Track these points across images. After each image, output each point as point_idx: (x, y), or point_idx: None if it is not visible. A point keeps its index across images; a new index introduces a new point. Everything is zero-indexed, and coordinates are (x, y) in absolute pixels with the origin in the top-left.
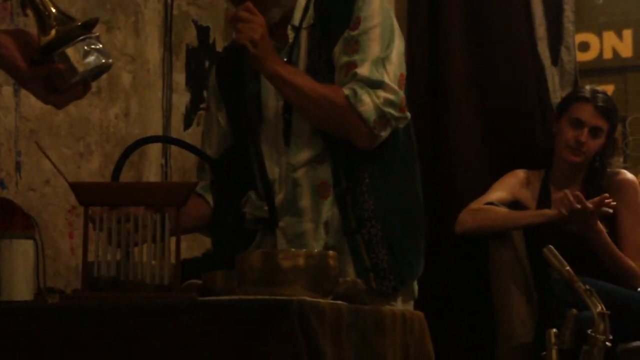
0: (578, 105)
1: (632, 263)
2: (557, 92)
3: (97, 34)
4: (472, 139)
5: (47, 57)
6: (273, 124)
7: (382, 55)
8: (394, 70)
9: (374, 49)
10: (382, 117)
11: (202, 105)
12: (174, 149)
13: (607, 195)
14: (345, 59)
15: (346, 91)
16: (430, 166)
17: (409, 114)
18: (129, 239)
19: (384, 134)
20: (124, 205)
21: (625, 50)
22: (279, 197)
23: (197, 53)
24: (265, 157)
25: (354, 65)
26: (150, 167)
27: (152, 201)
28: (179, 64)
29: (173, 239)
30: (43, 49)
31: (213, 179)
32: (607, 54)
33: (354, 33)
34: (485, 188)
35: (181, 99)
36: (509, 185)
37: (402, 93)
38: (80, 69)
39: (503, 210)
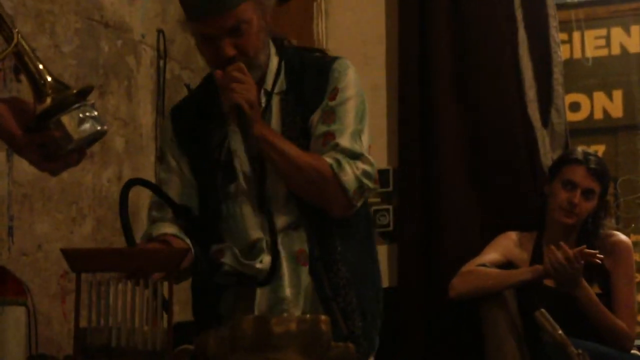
0: (570, 167)
1: (622, 324)
2: (547, 154)
3: (92, 101)
4: (465, 202)
5: (43, 125)
6: (247, 184)
7: (359, 127)
8: (366, 141)
9: (351, 120)
10: (360, 187)
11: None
12: None
13: (585, 246)
14: (323, 128)
15: (330, 160)
16: (422, 229)
17: (378, 185)
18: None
19: (359, 204)
20: (116, 271)
21: (616, 110)
22: (265, 260)
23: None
24: (245, 218)
25: (332, 135)
26: (143, 230)
27: (144, 268)
28: None
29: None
30: (39, 116)
31: (183, 224)
32: (598, 114)
33: (332, 103)
34: (477, 250)
35: None
36: (502, 247)
37: (375, 165)
38: (76, 136)
39: (494, 270)
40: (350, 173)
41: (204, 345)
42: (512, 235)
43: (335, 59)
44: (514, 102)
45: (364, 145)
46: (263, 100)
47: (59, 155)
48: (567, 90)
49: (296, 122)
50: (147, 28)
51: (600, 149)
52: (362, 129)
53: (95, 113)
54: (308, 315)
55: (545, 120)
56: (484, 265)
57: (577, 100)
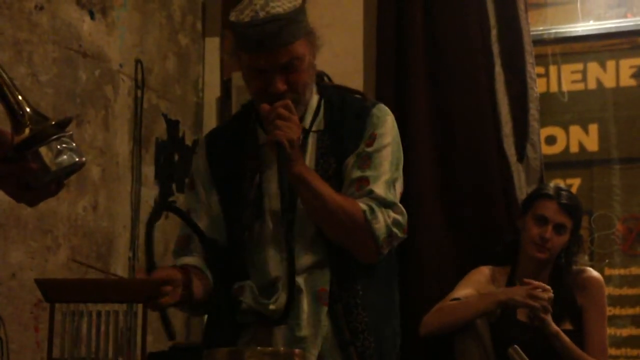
0: (542, 202)
1: None
2: (522, 189)
3: (71, 132)
4: (439, 236)
5: (21, 156)
6: (274, 223)
7: (394, 175)
8: (400, 189)
9: (387, 167)
10: (390, 236)
11: (171, 199)
12: (142, 241)
13: (542, 284)
14: (358, 173)
15: (363, 206)
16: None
17: (406, 234)
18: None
19: (386, 252)
20: (90, 302)
21: (591, 144)
22: (280, 299)
23: (167, 146)
24: (268, 255)
25: (367, 181)
26: (118, 260)
27: (118, 298)
28: (148, 157)
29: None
30: (16, 147)
31: (207, 257)
32: (574, 148)
33: (369, 149)
34: (452, 284)
35: (150, 192)
36: (475, 282)
37: (406, 214)
38: (53, 167)
39: (461, 302)
40: (382, 221)
41: None
42: (486, 270)
43: (375, 103)
44: (490, 137)
45: (397, 193)
46: (300, 138)
47: (37, 187)
48: (544, 124)
49: (330, 163)
50: (125, 58)
51: (575, 183)
52: (397, 177)
53: (74, 145)
54: (282, 349)
55: (521, 155)
56: (457, 299)
57: (553, 134)
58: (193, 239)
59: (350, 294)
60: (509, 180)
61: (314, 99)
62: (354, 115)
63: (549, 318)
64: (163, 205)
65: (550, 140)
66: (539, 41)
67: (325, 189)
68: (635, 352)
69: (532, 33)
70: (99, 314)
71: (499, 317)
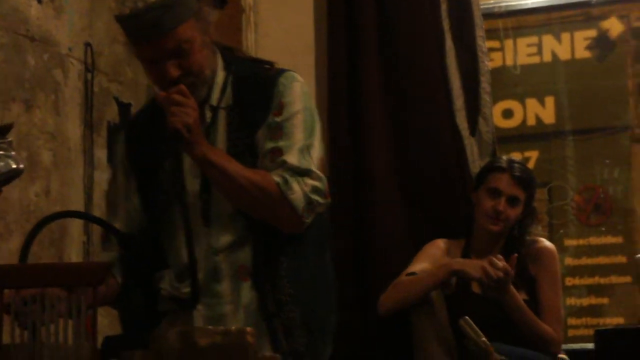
0: (495, 175)
1: (549, 329)
2: (475, 162)
3: (10, 139)
4: (394, 210)
5: None
6: (190, 204)
7: (307, 142)
8: (317, 155)
9: (299, 135)
10: (310, 204)
11: None
12: (95, 226)
13: (516, 255)
14: (270, 144)
15: (277, 179)
16: (352, 238)
17: (329, 199)
18: (42, 319)
19: (310, 220)
20: (40, 286)
21: (548, 117)
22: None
23: (119, 129)
24: (180, 240)
25: (280, 152)
26: (72, 245)
27: (67, 282)
28: (100, 140)
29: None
30: None
31: (123, 253)
32: (531, 121)
33: (278, 119)
34: (408, 258)
35: (103, 176)
36: (430, 255)
37: (325, 179)
38: None
39: (417, 276)
40: (298, 191)
41: (131, 359)
42: (441, 244)
43: (281, 72)
44: (443, 111)
45: (314, 159)
46: (209, 115)
47: None
48: (500, 97)
49: (242, 138)
50: (74, 41)
51: (533, 155)
52: (311, 143)
53: (13, 153)
54: (233, 327)
55: (473, 129)
56: (413, 274)
57: (510, 107)
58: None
59: (274, 266)
60: (462, 154)
61: (220, 75)
62: (261, 87)
63: (509, 287)
64: (61, 213)
65: (507, 113)
66: (490, 15)
67: (232, 166)
68: (595, 320)
69: (482, 7)
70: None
71: (454, 290)
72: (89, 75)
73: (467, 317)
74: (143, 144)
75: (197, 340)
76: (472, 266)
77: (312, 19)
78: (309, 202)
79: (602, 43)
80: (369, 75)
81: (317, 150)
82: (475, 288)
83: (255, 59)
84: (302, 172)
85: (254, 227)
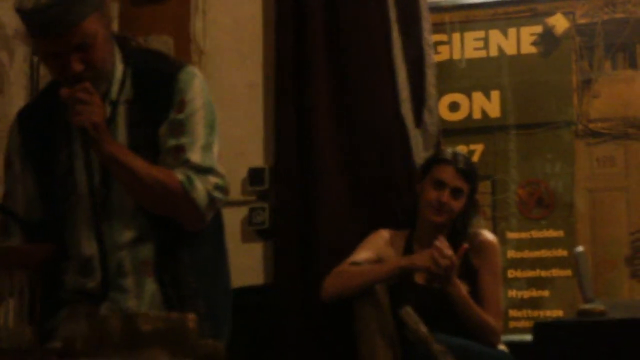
0: (439, 167)
1: (490, 319)
2: (420, 154)
3: None
4: (340, 200)
5: None
6: (88, 198)
7: (209, 139)
8: (217, 151)
9: (201, 132)
10: (212, 201)
11: None
12: None
13: (467, 245)
14: (173, 142)
15: (181, 177)
16: (298, 227)
17: (228, 196)
18: None
19: (210, 216)
20: None
21: (494, 110)
22: (97, 277)
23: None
24: (81, 233)
25: (182, 149)
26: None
27: (6, 264)
28: None
29: None
30: None
31: (26, 240)
32: (477, 114)
33: (180, 116)
34: (353, 248)
35: None
36: (374, 245)
37: (225, 175)
38: None
39: (363, 267)
40: (201, 189)
41: (72, 343)
42: (384, 234)
43: (180, 67)
44: (388, 102)
45: (214, 156)
46: (108, 110)
47: None
48: (447, 90)
49: (143, 134)
50: (20, 23)
51: (478, 148)
52: (212, 141)
53: None
54: (175, 314)
55: (418, 121)
56: (356, 263)
57: (457, 100)
58: (12, 221)
59: (176, 262)
60: (406, 145)
61: (119, 68)
62: (161, 82)
63: (453, 278)
64: None
65: (454, 106)
66: (438, 8)
67: (138, 164)
68: (535, 313)
69: (429, 0)
70: None
71: (397, 280)
72: (35, 58)
73: (408, 307)
74: (38, 133)
75: (139, 326)
76: (420, 257)
77: (261, 7)
78: (211, 199)
79: (547, 39)
80: (315, 65)
81: (216, 148)
82: (418, 279)
83: (152, 50)
84: (205, 170)
85: (156, 223)
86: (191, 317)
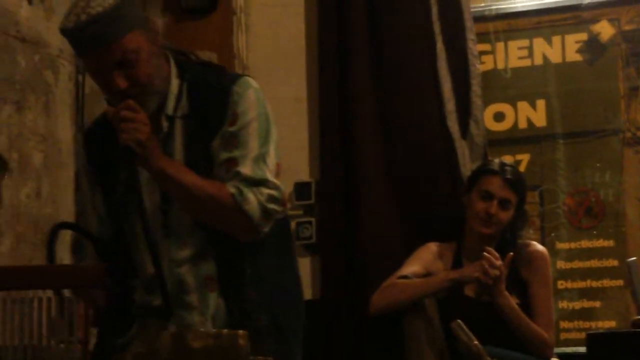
0: (487, 178)
1: (542, 332)
2: (467, 165)
3: None
4: (386, 213)
5: None
6: (149, 216)
7: (262, 150)
8: (272, 163)
9: (253, 144)
10: (266, 213)
11: None
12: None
13: (512, 254)
14: (225, 155)
15: (232, 190)
16: (344, 241)
17: (288, 206)
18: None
19: (267, 228)
20: (32, 288)
21: (539, 120)
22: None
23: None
24: (144, 251)
25: (235, 162)
26: (64, 247)
27: (61, 285)
28: None
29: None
30: None
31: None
32: (522, 124)
33: (232, 129)
34: (399, 261)
35: None
36: (422, 259)
37: (282, 187)
38: None
39: (412, 281)
40: (253, 201)
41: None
42: (432, 247)
43: (235, 79)
44: (434, 114)
45: (269, 167)
46: (165, 125)
47: None
48: (492, 101)
49: (199, 148)
50: (64, 43)
51: (524, 158)
52: (265, 152)
53: None
54: (226, 330)
55: (464, 132)
56: (405, 277)
57: (502, 110)
58: (87, 242)
59: (239, 275)
60: (453, 157)
61: (174, 83)
62: (215, 95)
63: (502, 289)
64: (58, 226)
65: (499, 117)
66: (481, 18)
67: (188, 178)
68: (587, 324)
69: (473, 10)
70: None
71: (447, 294)
72: (80, 77)
73: (459, 321)
74: (101, 152)
75: (190, 343)
76: (469, 269)
77: (304, 21)
78: (265, 211)
79: (592, 46)
80: (359, 77)
81: (273, 158)
82: (468, 291)
83: (209, 64)
84: (256, 182)
85: (215, 237)
86: (242, 333)
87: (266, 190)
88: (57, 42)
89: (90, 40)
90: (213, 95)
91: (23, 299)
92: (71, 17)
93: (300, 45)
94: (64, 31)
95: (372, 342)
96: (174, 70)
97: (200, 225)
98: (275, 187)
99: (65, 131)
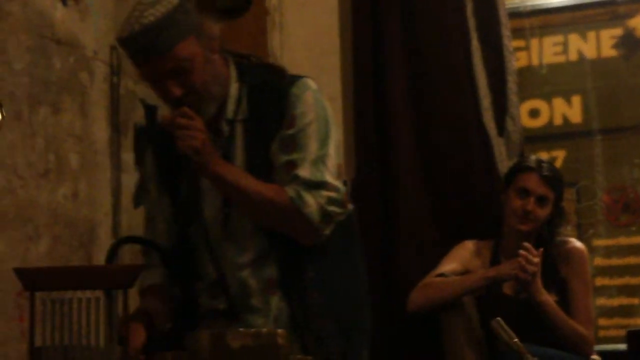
0: (524, 175)
1: (582, 329)
2: (503, 162)
3: None
4: (422, 211)
5: None
6: (211, 220)
7: (321, 152)
8: (332, 164)
9: (312, 146)
10: (326, 215)
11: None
12: (124, 228)
13: (542, 249)
14: (284, 158)
15: (290, 193)
16: (380, 240)
17: (350, 206)
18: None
19: (328, 231)
20: (70, 289)
21: (575, 116)
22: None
23: (145, 132)
24: (206, 255)
25: (293, 165)
26: (100, 248)
27: (99, 285)
28: (127, 143)
29: None
30: None
31: (167, 266)
32: (558, 120)
33: (290, 132)
34: (436, 260)
35: (130, 178)
36: (459, 257)
37: (343, 188)
38: None
39: (449, 279)
40: (312, 204)
41: None
42: (470, 245)
43: (293, 81)
44: (469, 111)
45: (329, 169)
46: (226, 129)
47: None
48: (527, 97)
49: (259, 151)
50: (99, 44)
51: (560, 155)
52: (324, 154)
53: None
54: (264, 330)
55: (501, 129)
56: (442, 275)
57: (537, 107)
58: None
59: (301, 278)
60: (489, 154)
61: (234, 86)
62: (273, 98)
63: (539, 286)
64: (121, 240)
65: (534, 113)
66: (516, 14)
67: (247, 182)
68: (626, 321)
69: (508, 6)
70: (79, 300)
71: (485, 292)
72: (115, 78)
73: (499, 318)
74: (167, 157)
75: (229, 343)
76: (506, 266)
77: (337, 19)
78: (325, 213)
79: (628, 41)
80: (394, 75)
81: (333, 159)
82: (507, 289)
83: (269, 66)
84: (315, 185)
85: (276, 241)
86: (281, 332)
87: (325, 193)
88: (92, 43)
89: (144, 49)
90: (271, 97)
91: (63, 299)
92: (126, 26)
93: (335, 44)
94: (119, 41)
95: (409, 340)
96: (233, 74)
97: (261, 229)
98: (335, 189)
99: (100, 132)
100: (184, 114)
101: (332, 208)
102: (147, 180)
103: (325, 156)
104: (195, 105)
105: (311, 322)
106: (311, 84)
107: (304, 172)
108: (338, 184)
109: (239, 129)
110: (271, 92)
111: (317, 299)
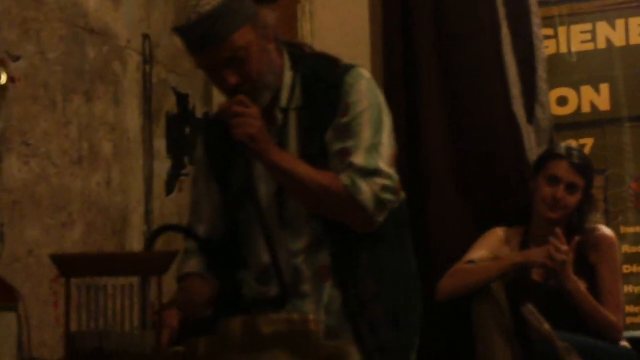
0: (553, 163)
1: (611, 316)
2: (533, 150)
3: None
4: (452, 199)
5: None
6: (266, 206)
7: (375, 140)
8: (386, 152)
9: (366, 134)
10: (380, 203)
11: (184, 172)
12: (156, 215)
13: (578, 238)
14: (338, 145)
15: (345, 180)
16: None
17: (403, 194)
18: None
19: (382, 218)
20: (105, 275)
21: (603, 104)
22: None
23: (177, 120)
24: (259, 242)
25: (348, 152)
26: (133, 235)
27: (133, 271)
28: (159, 131)
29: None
30: None
31: (207, 259)
32: (586, 108)
33: (345, 120)
34: (466, 247)
35: (162, 166)
36: (489, 244)
37: (396, 176)
38: None
39: (478, 265)
40: (367, 192)
41: (194, 347)
42: (499, 232)
43: (347, 70)
44: (499, 99)
45: (383, 157)
46: (280, 117)
47: None
48: (555, 85)
49: (313, 139)
50: (132, 33)
51: (588, 143)
52: (378, 142)
53: None
54: (296, 315)
55: (530, 117)
56: (472, 262)
57: (565, 95)
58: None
59: (355, 265)
60: (519, 142)
61: (287, 75)
62: (328, 87)
63: (570, 273)
64: (161, 229)
65: (562, 101)
66: (545, 2)
67: (302, 170)
68: None
69: None
70: (114, 287)
71: (514, 279)
72: (148, 67)
73: (529, 305)
74: (218, 146)
75: (260, 328)
76: (535, 252)
77: (368, 9)
78: (379, 201)
79: None
80: (425, 64)
81: (387, 147)
82: (536, 276)
83: (322, 55)
84: (370, 173)
85: (331, 227)
86: (313, 319)
87: (380, 180)
88: (125, 32)
89: (200, 39)
90: (325, 86)
91: (97, 285)
92: (183, 16)
93: (365, 33)
94: (177, 30)
95: (440, 328)
96: (287, 63)
97: (315, 216)
98: (389, 177)
99: (133, 121)
100: (240, 102)
101: (386, 195)
102: (197, 169)
103: (379, 144)
104: (250, 94)
105: (364, 310)
106: (365, 73)
107: (358, 159)
108: (392, 171)
109: (292, 118)
110: (325, 81)
111: (370, 287)
